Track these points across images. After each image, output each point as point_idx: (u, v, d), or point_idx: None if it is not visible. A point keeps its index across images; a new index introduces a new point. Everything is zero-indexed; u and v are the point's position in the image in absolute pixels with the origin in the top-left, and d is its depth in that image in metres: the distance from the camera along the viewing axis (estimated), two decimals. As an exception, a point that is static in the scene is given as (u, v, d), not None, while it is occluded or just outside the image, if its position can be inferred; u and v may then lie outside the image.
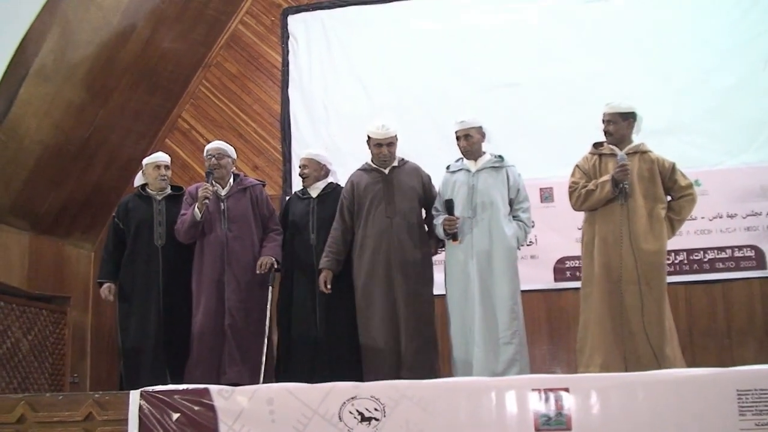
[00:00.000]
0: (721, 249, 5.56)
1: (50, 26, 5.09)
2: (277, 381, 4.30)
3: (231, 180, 4.76)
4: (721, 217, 5.59)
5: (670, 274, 4.54)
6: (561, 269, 5.77)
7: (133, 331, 4.65)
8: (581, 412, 2.93)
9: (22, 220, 5.66)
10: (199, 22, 6.40)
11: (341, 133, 6.25)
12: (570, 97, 5.87)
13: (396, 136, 4.56)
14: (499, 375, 4.03)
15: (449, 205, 4.34)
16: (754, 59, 5.73)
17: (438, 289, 4.56)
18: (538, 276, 5.67)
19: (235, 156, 4.87)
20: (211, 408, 3.15)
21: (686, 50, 5.89)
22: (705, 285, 5.54)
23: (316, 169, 4.82)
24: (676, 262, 5.54)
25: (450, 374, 4.27)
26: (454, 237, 4.32)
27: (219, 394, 3.18)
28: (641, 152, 4.29)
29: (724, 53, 5.80)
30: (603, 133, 4.35)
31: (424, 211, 4.63)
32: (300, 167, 4.90)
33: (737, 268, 5.51)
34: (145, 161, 4.95)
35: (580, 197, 4.28)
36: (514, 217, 4.43)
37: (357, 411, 3.05)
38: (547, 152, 5.72)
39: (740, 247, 5.53)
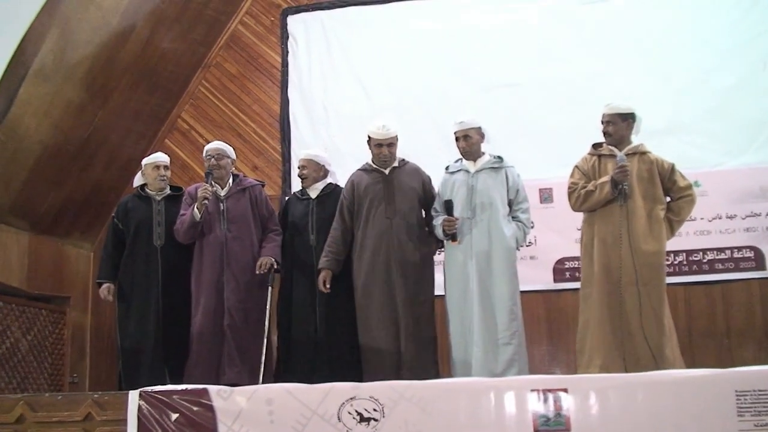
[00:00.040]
0: (721, 250, 5.57)
1: (50, 26, 5.09)
2: (277, 381, 4.30)
3: (230, 180, 4.76)
4: (720, 218, 5.59)
5: (669, 274, 4.54)
6: (560, 270, 5.77)
7: (132, 331, 4.65)
8: (580, 413, 2.93)
9: (22, 219, 5.66)
10: (198, 22, 6.40)
11: (341, 134, 6.25)
12: (570, 97, 5.87)
13: (396, 136, 4.56)
14: (498, 375, 4.03)
15: (448, 206, 4.34)
16: (754, 59, 5.74)
17: (437, 289, 4.56)
18: (537, 276, 5.67)
19: (234, 156, 4.87)
20: (210, 408, 3.15)
21: (686, 50, 5.89)
22: (704, 286, 5.54)
23: (315, 170, 4.82)
24: (676, 262, 5.54)
25: (449, 375, 4.27)
26: (453, 238, 4.32)
27: (218, 394, 3.18)
28: (640, 153, 4.29)
29: (724, 53, 5.80)
30: (602, 134, 4.35)
31: (423, 212, 4.62)
32: (299, 168, 4.90)
33: (736, 269, 5.51)
34: (144, 161, 4.95)
35: (579, 198, 4.28)
36: (513, 217, 4.43)
37: (356, 411, 3.05)
38: (547, 153, 5.72)
39: (739, 248, 5.54)
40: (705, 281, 5.55)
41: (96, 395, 3.37)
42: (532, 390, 2.98)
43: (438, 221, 4.40)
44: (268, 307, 4.42)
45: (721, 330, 5.46)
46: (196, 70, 6.67)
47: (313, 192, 4.80)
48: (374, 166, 4.61)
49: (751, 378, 2.90)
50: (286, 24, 6.61)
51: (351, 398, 3.07)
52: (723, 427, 2.84)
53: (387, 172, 4.58)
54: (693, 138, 5.68)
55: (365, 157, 4.70)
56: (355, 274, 4.50)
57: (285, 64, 6.56)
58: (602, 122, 4.33)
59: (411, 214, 4.51)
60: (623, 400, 2.94)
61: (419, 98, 6.19)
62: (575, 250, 4.63)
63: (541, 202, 5.80)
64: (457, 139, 4.50)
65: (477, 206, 4.36)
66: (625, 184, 4.14)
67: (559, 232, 5.68)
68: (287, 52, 6.57)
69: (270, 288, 4.45)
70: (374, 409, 3.05)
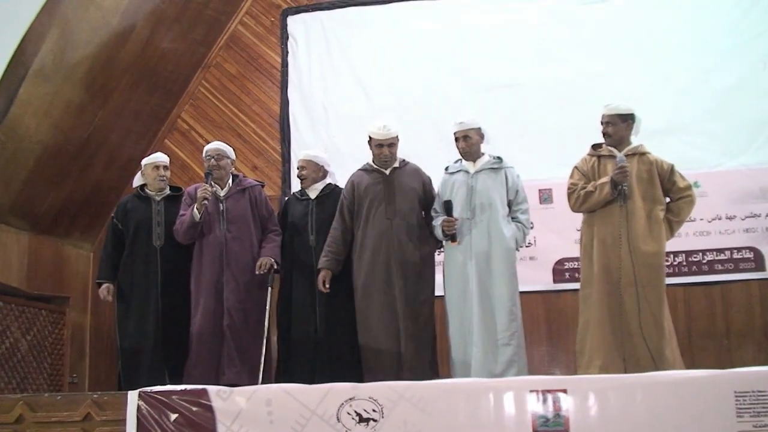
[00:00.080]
0: (720, 251, 5.57)
1: (50, 26, 5.09)
2: (278, 381, 4.30)
3: (230, 181, 4.76)
4: (720, 219, 5.59)
5: (668, 275, 4.54)
6: (560, 270, 5.77)
7: (131, 331, 4.65)
8: (579, 414, 2.93)
9: (22, 220, 5.66)
10: (198, 22, 6.40)
11: (341, 134, 6.25)
12: (570, 97, 5.87)
13: (397, 137, 4.55)
14: (497, 376, 4.03)
15: (448, 206, 4.34)
16: (754, 59, 5.74)
17: (437, 290, 4.55)
18: (537, 277, 5.67)
19: (234, 157, 4.87)
20: (210, 409, 3.15)
21: (686, 50, 5.89)
22: (704, 287, 5.54)
23: (314, 171, 4.82)
24: (675, 263, 5.54)
25: (448, 375, 4.27)
26: (452, 238, 4.32)
27: (217, 394, 3.18)
28: (640, 154, 4.29)
29: (724, 53, 5.80)
30: (602, 135, 4.35)
31: (423, 213, 4.62)
32: (298, 169, 4.90)
33: (736, 270, 5.51)
34: (143, 162, 4.95)
35: (579, 199, 4.28)
36: (512, 218, 4.43)
37: (355, 412, 3.05)
38: (547, 153, 5.72)
39: (739, 249, 5.54)
40: (704, 282, 5.55)
41: (95, 395, 3.37)
42: (531, 390, 2.98)
43: (437, 222, 4.40)
44: (267, 307, 4.42)
45: (721, 331, 5.46)
46: (196, 70, 6.67)
47: (313, 192, 4.80)
48: (375, 166, 4.61)
49: (751, 379, 2.90)
50: (286, 24, 6.61)
51: (350, 398, 3.07)
52: (722, 427, 2.84)
53: (387, 172, 4.58)
54: (693, 138, 5.68)
55: (365, 157, 4.69)
56: (355, 274, 4.50)
57: (285, 65, 6.56)
58: (602, 123, 4.33)
59: (411, 214, 4.51)
60: (622, 400, 2.94)
61: (419, 98, 6.19)
62: (575, 251, 4.63)
63: (540, 203, 5.80)
64: (456, 139, 4.50)
65: (476, 207, 4.36)
66: (624, 184, 4.14)
67: (559, 233, 5.68)
68: (287, 52, 6.57)
69: (270, 288, 4.45)
70: (373, 410, 3.05)
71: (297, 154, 5.97)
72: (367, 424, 3.04)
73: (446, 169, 4.59)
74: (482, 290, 4.26)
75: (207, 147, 4.80)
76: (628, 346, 4.05)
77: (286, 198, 5.53)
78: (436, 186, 4.63)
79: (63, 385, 5.88)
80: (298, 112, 6.45)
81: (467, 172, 4.47)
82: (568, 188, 4.36)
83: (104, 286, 4.75)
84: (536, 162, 5.61)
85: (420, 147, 5.31)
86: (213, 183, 4.61)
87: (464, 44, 6.24)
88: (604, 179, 4.19)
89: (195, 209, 4.51)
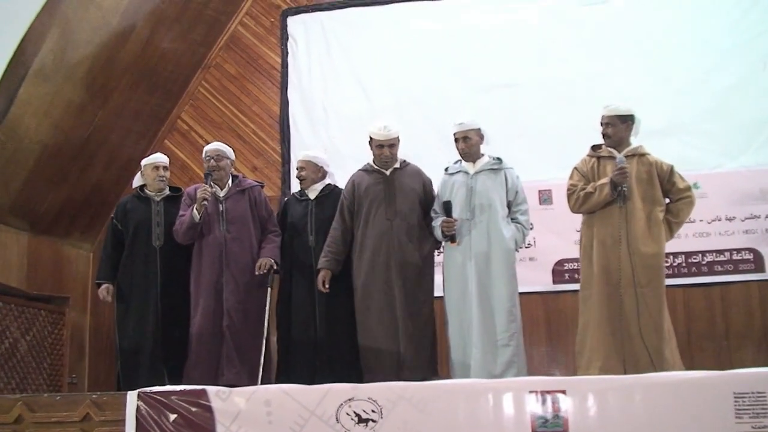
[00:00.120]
0: (720, 252, 5.56)
1: (50, 26, 5.09)
2: (277, 382, 4.30)
3: (230, 181, 4.76)
4: (719, 220, 5.59)
5: (668, 276, 4.53)
6: (560, 271, 5.77)
7: (131, 331, 4.65)
8: (578, 415, 2.93)
9: (21, 220, 5.66)
10: (198, 22, 6.40)
11: (341, 135, 6.25)
12: (569, 97, 5.87)
13: (398, 137, 4.55)
14: (496, 377, 4.03)
15: (447, 207, 4.34)
16: (754, 59, 5.74)
17: (437, 290, 4.55)
18: (536, 278, 5.67)
19: (233, 157, 4.87)
20: (209, 409, 3.16)
21: (686, 50, 5.89)
22: (703, 288, 5.54)
23: (313, 171, 4.82)
24: (675, 264, 5.54)
25: (448, 376, 4.27)
26: (452, 239, 4.32)
27: (216, 395, 3.18)
28: (640, 155, 4.29)
29: (724, 53, 5.81)
30: (601, 136, 4.35)
31: (423, 214, 4.62)
32: (297, 169, 4.90)
33: (736, 271, 5.51)
34: (143, 162, 4.95)
35: (578, 200, 4.28)
36: (512, 219, 4.43)
37: (354, 412, 3.05)
38: (546, 154, 5.72)
39: (739, 250, 5.54)
40: (704, 283, 5.55)
41: (94, 396, 3.38)
42: (531, 391, 2.99)
43: (437, 222, 4.40)
44: (267, 308, 4.42)
45: (720, 332, 5.46)
46: (196, 70, 6.67)
47: (312, 193, 4.80)
48: (375, 166, 4.61)
49: (750, 380, 2.90)
50: (286, 25, 6.61)
51: (349, 399, 3.07)
52: (721, 428, 2.85)
53: (388, 173, 4.57)
54: (692, 139, 5.68)
55: (365, 158, 4.69)
56: (355, 274, 4.50)
57: (285, 65, 6.55)
58: (601, 124, 4.33)
59: (411, 215, 4.51)
60: (621, 401, 2.94)
61: (419, 99, 6.19)
62: (574, 252, 4.63)
63: (540, 204, 5.80)
64: (456, 140, 4.49)
65: (476, 207, 4.36)
66: (624, 185, 4.14)
67: (559, 234, 5.67)
68: (287, 53, 6.57)
69: (269, 289, 4.45)
70: (372, 410, 3.05)
71: (297, 155, 5.96)
72: (366, 425, 3.04)
73: (446, 169, 4.59)
74: (482, 291, 4.26)
75: (206, 147, 4.80)
76: (628, 347, 4.05)
77: (286, 198, 5.53)
78: (436, 187, 4.63)
79: (62, 386, 5.88)
80: (298, 112, 6.45)
81: (467, 172, 4.47)
82: (568, 189, 4.36)
83: (104, 286, 4.75)
84: (536, 163, 5.61)
85: (420, 147, 5.30)
86: (212, 183, 4.61)
87: (464, 44, 6.24)
88: (604, 180, 4.19)
89: (194, 210, 4.51)
